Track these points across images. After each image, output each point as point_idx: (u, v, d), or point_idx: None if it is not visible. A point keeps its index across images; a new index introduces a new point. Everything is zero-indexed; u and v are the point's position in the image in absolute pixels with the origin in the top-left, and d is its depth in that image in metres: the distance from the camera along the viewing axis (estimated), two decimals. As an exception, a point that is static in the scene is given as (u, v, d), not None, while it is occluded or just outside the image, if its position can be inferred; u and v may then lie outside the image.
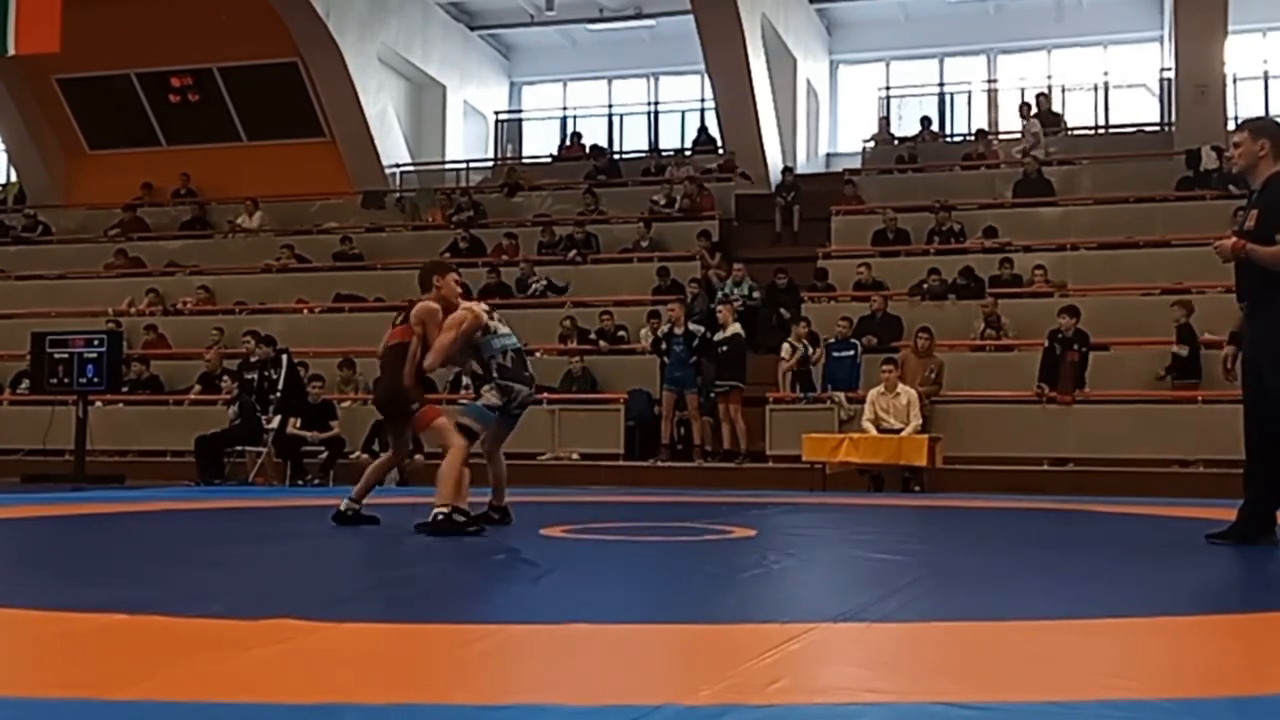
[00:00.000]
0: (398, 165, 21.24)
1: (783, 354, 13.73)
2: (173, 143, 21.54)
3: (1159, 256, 14.90)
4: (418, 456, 12.21)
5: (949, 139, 21.06)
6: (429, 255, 17.82)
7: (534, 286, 16.32)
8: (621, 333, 15.25)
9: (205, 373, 15.27)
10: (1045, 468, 12.47)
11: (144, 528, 7.42)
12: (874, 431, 12.20)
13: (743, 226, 18.38)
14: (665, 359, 13.67)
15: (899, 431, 12.11)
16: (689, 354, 13.47)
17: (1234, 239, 5.50)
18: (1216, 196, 16.03)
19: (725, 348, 13.35)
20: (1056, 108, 20.31)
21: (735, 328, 13.50)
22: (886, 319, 14.35)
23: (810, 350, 13.68)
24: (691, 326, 13.63)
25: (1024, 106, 19.32)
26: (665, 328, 13.76)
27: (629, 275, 16.63)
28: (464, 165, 22.35)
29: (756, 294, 15.54)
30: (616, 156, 21.70)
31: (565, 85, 24.69)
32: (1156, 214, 15.96)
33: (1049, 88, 20.89)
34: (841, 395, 13.10)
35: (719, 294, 15.39)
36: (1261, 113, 19.99)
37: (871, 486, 12.39)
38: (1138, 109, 21.00)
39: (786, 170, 18.87)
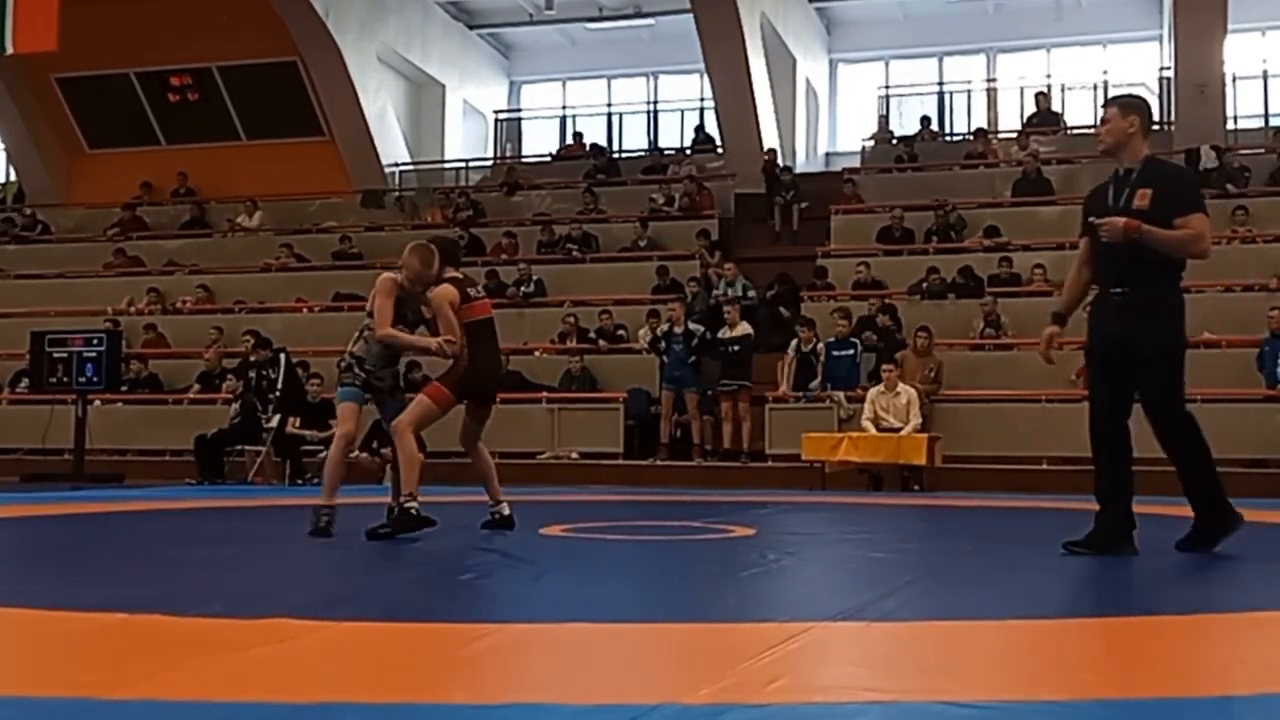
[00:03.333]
0: (397, 164, 21.24)
1: (789, 352, 13.70)
2: (172, 142, 21.53)
3: (1158, 256, 14.90)
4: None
5: (948, 138, 21.06)
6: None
7: (523, 290, 16.29)
8: (621, 332, 15.25)
9: (204, 372, 15.28)
10: (1045, 467, 12.47)
11: (143, 527, 7.42)
12: (873, 430, 12.20)
13: (742, 225, 18.38)
14: (664, 358, 13.67)
15: (898, 430, 12.11)
16: (688, 353, 13.47)
17: (1125, 219, 5.11)
18: (1215, 196, 16.02)
19: (736, 347, 13.34)
20: (1056, 107, 20.30)
21: (744, 327, 13.49)
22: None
23: (817, 344, 13.61)
24: (691, 326, 13.63)
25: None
26: (665, 327, 13.76)
27: (628, 274, 16.63)
28: (463, 164, 22.35)
29: (752, 293, 15.53)
30: (616, 156, 21.69)
31: (565, 84, 24.68)
32: (1156, 213, 15.96)
33: (1048, 87, 20.89)
34: (841, 394, 13.10)
35: (713, 293, 15.37)
36: (1261, 112, 20.01)
37: (871, 485, 12.39)
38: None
39: (785, 169, 18.86)
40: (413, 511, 6.08)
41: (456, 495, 7.53)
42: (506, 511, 6.57)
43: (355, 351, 6.40)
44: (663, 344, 13.63)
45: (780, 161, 18.87)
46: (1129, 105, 5.36)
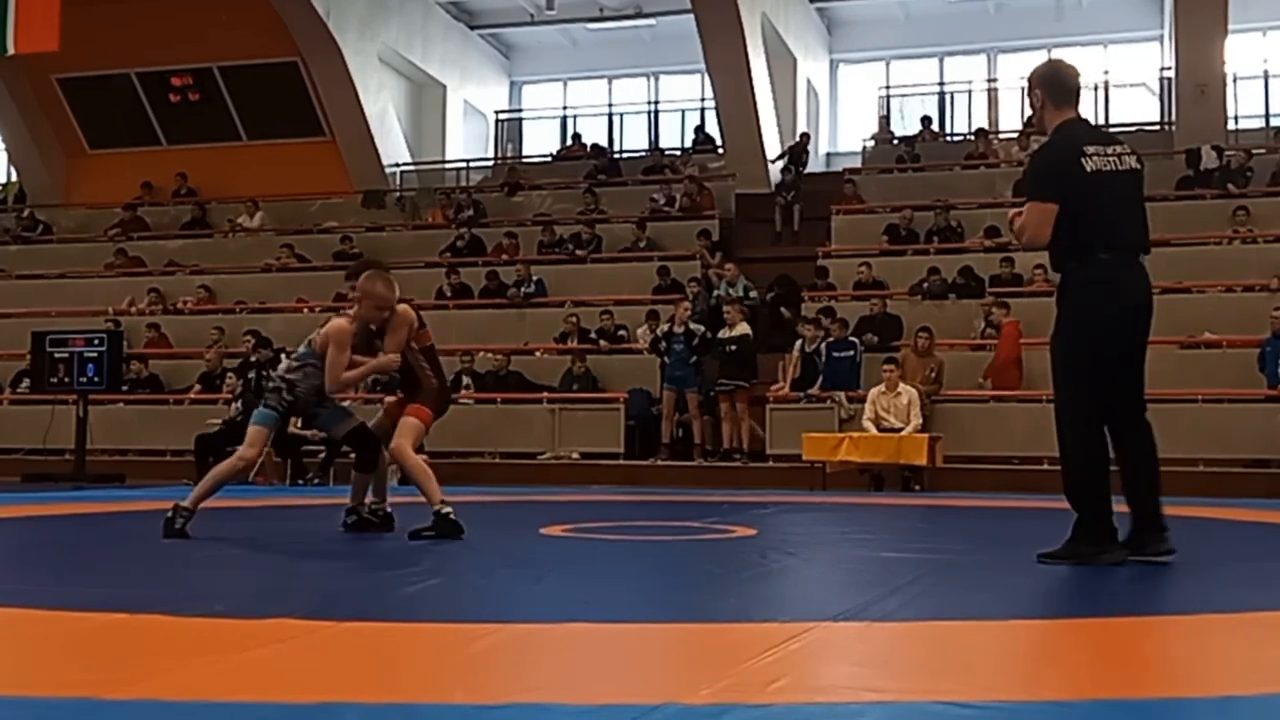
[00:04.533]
0: (398, 165, 21.25)
1: (794, 351, 13.71)
2: (173, 142, 21.54)
3: (1158, 256, 14.62)
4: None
5: (949, 138, 21.06)
6: (429, 255, 17.88)
7: (524, 290, 16.28)
8: (621, 332, 15.25)
9: (205, 372, 15.26)
10: (1045, 467, 12.44)
11: (144, 527, 7.41)
12: (874, 430, 12.20)
13: (742, 226, 18.38)
14: (666, 358, 13.65)
15: (899, 431, 12.11)
16: (690, 353, 13.47)
17: (1012, 212, 4.97)
18: (1216, 196, 16.04)
19: (734, 347, 13.34)
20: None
21: (743, 327, 13.49)
22: (886, 318, 14.36)
23: (821, 344, 13.60)
24: (692, 325, 13.63)
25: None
26: (666, 326, 13.76)
27: (629, 275, 16.63)
28: (464, 165, 22.36)
29: (753, 294, 15.53)
30: (617, 156, 21.70)
31: (565, 84, 24.70)
32: (1156, 213, 15.68)
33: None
34: (842, 394, 13.10)
35: (713, 294, 15.37)
36: (1261, 113, 19.99)
37: (872, 486, 12.39)
38: (1138, 108, 21.00)
39: (785, 170, 18.87)
40: (451, 517, 6.04)
41: (456, 496, 7.50)
42: (388, 510, 6.52)
43: (289, 376, 6.30)
44: (664, 344, 13.62)
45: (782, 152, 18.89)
46: (1034, 78, 5.00)
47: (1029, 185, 4.88)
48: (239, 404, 13.12)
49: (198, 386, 15.23)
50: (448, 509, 6.06)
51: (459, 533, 6.00)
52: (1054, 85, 4.91)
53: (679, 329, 13.53)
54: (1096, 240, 4.72)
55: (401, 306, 6.32)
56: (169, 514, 6.13)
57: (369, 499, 6.53)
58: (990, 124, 21.22)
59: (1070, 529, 4.94)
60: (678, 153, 21.46)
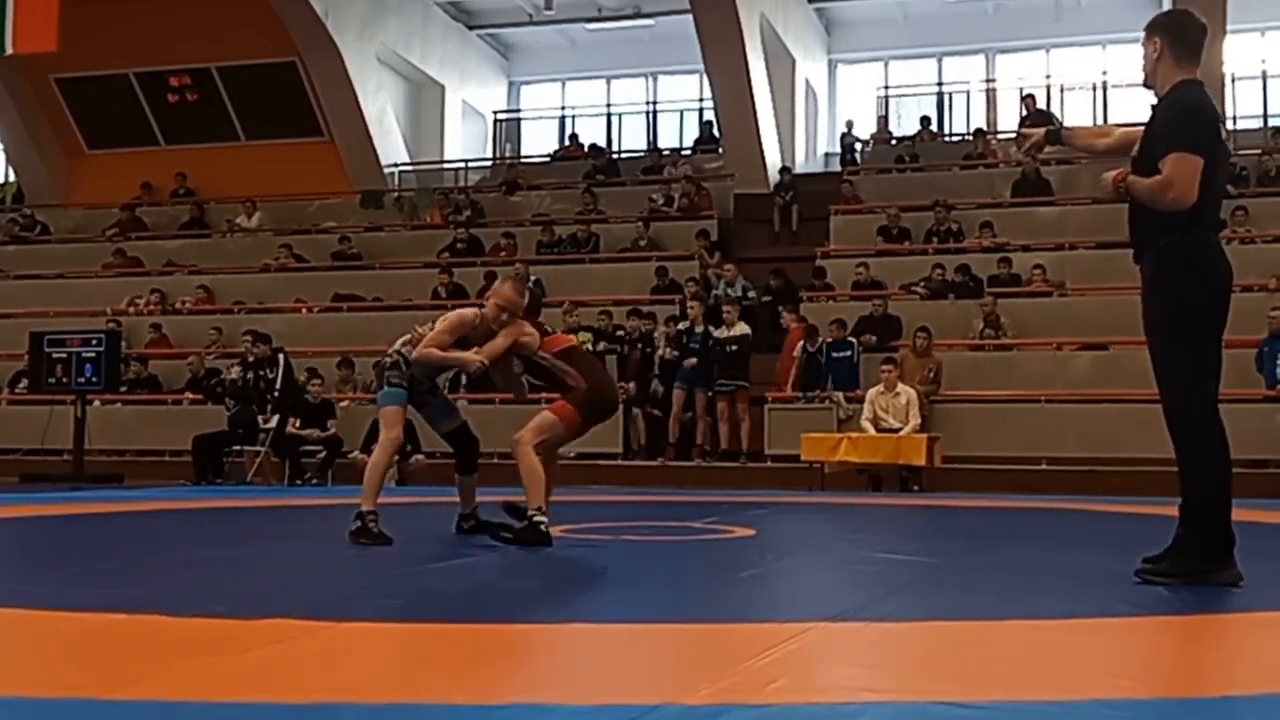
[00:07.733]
0: (396, 165, 21.24)
1: (795, 353, 13.71)
2: (171, 142, 21.53)
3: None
4: (418, 457, 12.21)
5: (948, 139, 21.07)
6: (427, 255, 17.87)
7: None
8: (620, 333, 15.23)
9: (192, 376, 15.23)
10: (1045, 467, 12.47)
11: (143, 528, 7.42)
12: (873, 431, 12.20)
13: (741, 226, 18.39)
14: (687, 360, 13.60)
15: (898, 431, 12.11)
16: (705, 352, 13.45)
17: (1116, 172, 4.39)
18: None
19: (735, 347, 13.34)
20: (1055, 107, 20.32)
21: (741, 327, 13.50)
22: (885, 318, 14.35)
23: (822, 344, 13.61)
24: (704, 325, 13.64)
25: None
26: (686, 324, 13.77)
27: (628, 275, 16.63)
28: (463, 165, 22.36)
29: (752, 294, 15.54)
30: (615, 156, 21.71)
31: (564, 85, 24.70)
32: (1155, 213, 15.92)
33: (1048, 87, 20.88)
34: (840, 395, 13.10)
35: (712, 294, 15.38)
36: (1260, 112, 19.98)
37: (870, 486, 12.39)
38: (1137, 109, 20.99)
39: (784, 170, 18.88)
40: (542, 527, 5.76)
41: (456, 497, 7.51)
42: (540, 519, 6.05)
43: (404, 351, 6.18)
44: (685, 342, 13.59)
45: (780, 162, 18.91)
46: (1152, 25, 4.44)
47: (1174, 134, 4.23)
48: (231, 399, 13.10)
49: (188, 393, 15.22)
50: (541, 518, 5.77)
51: (545, 543, 5.71)
52: (1178, 37, 4.37)
53: (698, 328, 13.53)
54: (1208, 215, 4.30)
55: (518, 323, 6.16)
56: (355, 524, 5.90)
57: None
58: (989, 124, 21.21)
59: (1174, 538, 4.33)
60: (670, 152, 21.45)
